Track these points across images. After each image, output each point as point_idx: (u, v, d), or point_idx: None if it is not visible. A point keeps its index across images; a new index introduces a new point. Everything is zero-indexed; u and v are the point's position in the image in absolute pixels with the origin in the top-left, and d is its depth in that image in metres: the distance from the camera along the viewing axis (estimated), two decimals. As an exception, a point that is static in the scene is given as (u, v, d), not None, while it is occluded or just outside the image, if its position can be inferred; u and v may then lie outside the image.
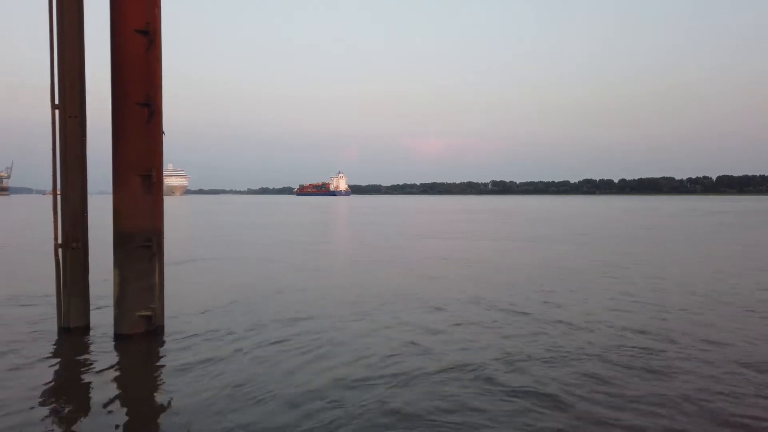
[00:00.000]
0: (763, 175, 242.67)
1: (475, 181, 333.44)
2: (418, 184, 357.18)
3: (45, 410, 5.19)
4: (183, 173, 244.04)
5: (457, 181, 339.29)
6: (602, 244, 21.96)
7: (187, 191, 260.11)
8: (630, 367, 6.39)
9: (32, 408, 5.22)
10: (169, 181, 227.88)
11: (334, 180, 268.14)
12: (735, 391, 5.65)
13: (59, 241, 7.60)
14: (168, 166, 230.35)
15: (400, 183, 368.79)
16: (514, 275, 13.47)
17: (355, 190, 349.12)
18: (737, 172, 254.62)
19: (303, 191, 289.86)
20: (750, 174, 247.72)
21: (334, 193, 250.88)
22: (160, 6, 7.51)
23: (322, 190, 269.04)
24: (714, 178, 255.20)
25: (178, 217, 45.64)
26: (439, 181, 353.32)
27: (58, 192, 7.57)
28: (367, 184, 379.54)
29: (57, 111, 7.49)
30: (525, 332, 7.85)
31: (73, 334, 7.60)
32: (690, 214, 50.13)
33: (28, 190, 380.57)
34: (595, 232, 28.96)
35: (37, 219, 39.63)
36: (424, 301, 10.14)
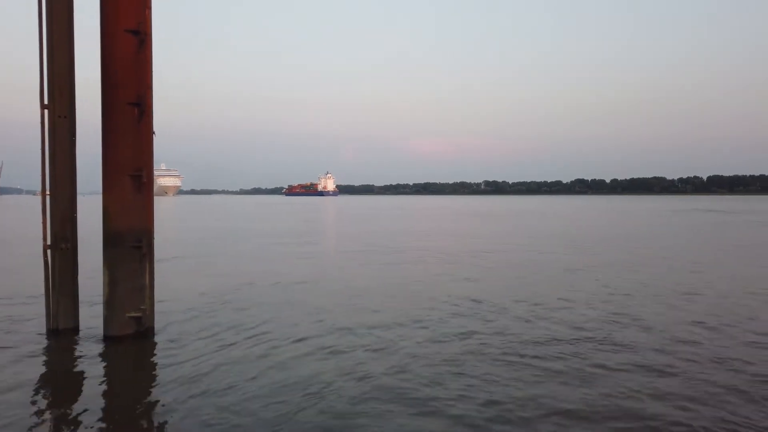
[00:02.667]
0: (753, 175, 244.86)
1: (468, 181, 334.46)
2: (411, 184, 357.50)
3: (33, 413, 5.15)
4: (176, 173, 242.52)
5: (450, 181, 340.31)
6: None
7: (180, 191, 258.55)
8: None
9: (20, 411, 5.18)
10: (161, 181, 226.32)
11: (322, 180, 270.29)
12: None
13: (48, 242, 7.55)
14: (161, 166, 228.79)
15: (393, 183, 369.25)
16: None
17: (348, 190, 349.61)
18: (727, 172, 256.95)
19: (292, 191, 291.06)
20: (740, 174, 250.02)
21: (322, 194, 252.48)
22: (151, 7, 7.49)
23: (310, 190, 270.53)
24: (705, 178, 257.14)
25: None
26: (432, 181, 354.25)
27: (47, 192, 7.53)
28: (360, 184, 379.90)
29: (46, 111, 7.44)
30: None
31: (62, 335, 7.55)
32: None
33: (18, 191, 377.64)
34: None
35: (26, 219, 39.31)
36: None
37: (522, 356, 6.85)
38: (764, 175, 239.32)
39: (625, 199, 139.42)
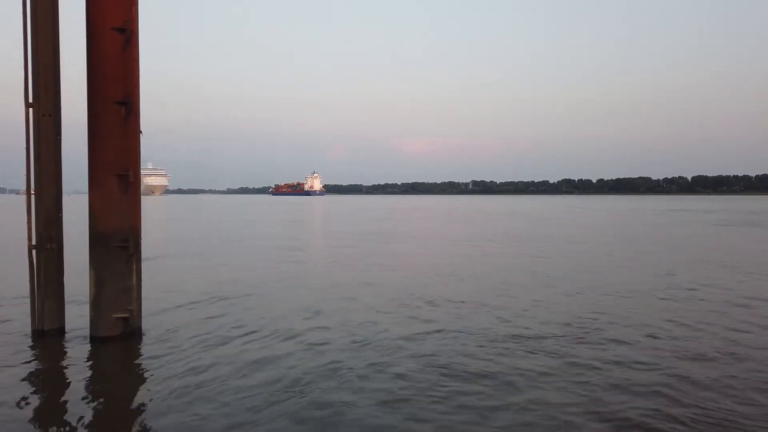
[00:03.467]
0: (737, 176, 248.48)
1: (456, 181, 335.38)
2: (399, 183, 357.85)
3: (19, 416, 5.09)
4: (163, 172, 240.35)
5: (438, 181, 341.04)
6: None
7: (166, 191, 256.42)
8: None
9: (6, 413, 5.11)
10: (148, 181, 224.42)
11: (309, 180, 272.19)
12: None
13: (33, 242, 7.45)
14: (147, 165, 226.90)
15: (382, 183, 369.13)
16: None
17: (336, 189, 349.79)
18: (712, 173, 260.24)
19: (278, 191, 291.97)
20: (724, 174, 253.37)
21: (308, 193, 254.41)
22: (138, 5, 7.42)
23: (297, 189, 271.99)
24: (689, 179, 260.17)
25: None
26: (420, 180, 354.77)
27: (32, 192, 7.43)
28: (349, 183, 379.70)
29: (31, 109, 7.34)
30: None
31: (47, 336, 7.44)
32: None
33: (2, 190, 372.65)
34: None
35: (10, 219, 38.78)
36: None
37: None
38: (747, 176, 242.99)
39: (612, 199, 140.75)
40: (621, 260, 16.65)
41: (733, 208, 63.08)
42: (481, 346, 7.26)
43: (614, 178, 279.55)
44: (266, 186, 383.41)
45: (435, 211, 59.18)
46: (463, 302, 10.08)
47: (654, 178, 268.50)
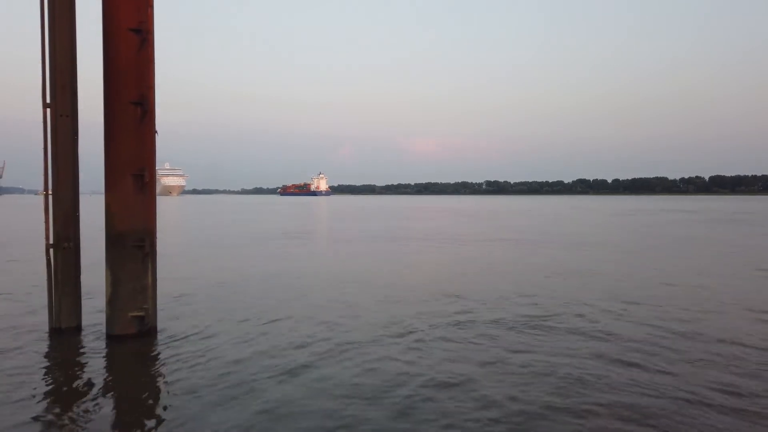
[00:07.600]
0: (755, 175, 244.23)
1: (470, 181, 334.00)
2: (413, 184, 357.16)
3: (37, 413, 5.14)
4: (181, 173, 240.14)
5: (452, 181, 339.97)
6: None
7: (182, 191, 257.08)
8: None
9: (24, 410, 5.17)
10: (166, 181, 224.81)
11: (315, 180, 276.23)
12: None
13: (50, 241, 7.54)
14: (165, 166, 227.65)
15: (395, 183, 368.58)
16: None
17: (350, 189, 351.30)
18: (730, 172, 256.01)
19: (286, 191, 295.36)
20: (742, 174, 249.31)
21: (314, 193, 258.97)
22: (153, 5, 7.48)
23: (303, 190, 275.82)
24: (707, 178, 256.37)
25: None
26: (433, 181, 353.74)
27: (50, 192, 7.52)
28: (362, 184, 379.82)
29: (48, 110, 7.43)
30: None
31: (64, 334, 7.54)
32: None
33: (20, 190, 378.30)
34: None
35: (29, 219, 39.34)
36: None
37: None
38: (766, 176, 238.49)
39: (630, 200, 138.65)
40: None
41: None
42: None
43: (629, 178, 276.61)
44: (279, 186, 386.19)
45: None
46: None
47: (671, 178, 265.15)
